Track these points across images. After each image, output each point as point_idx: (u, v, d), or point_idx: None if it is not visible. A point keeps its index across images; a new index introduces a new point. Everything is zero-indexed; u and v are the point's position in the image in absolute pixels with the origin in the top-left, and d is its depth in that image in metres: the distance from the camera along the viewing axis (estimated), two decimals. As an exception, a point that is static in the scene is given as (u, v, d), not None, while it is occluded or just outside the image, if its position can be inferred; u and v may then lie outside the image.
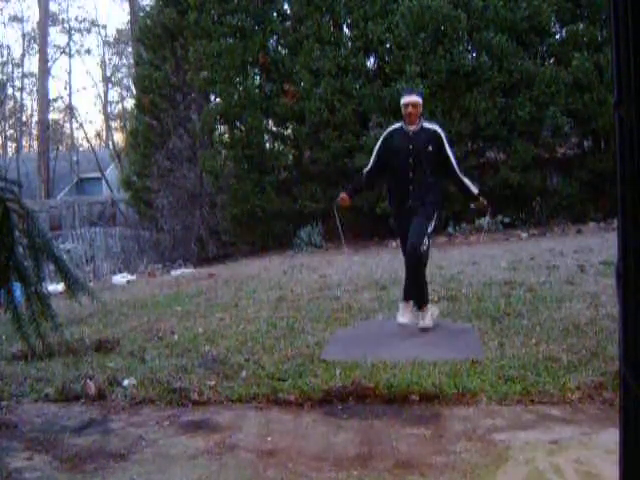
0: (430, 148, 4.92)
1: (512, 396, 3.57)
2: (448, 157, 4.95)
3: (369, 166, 5.18)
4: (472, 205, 5.15)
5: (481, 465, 2.86)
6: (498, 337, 4.64)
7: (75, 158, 29.76)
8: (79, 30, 34.60)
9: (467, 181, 5.04)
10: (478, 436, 3.16)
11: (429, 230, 5.00)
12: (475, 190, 5.05)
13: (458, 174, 5.01)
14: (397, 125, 5.13)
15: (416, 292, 5.10)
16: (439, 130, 5.01)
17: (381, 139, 5.14)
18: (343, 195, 5.19)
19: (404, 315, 5.12)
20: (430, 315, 5.11)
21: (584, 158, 13.48)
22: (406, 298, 5.17)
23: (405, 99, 5.04)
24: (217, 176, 13.95)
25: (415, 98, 5.03)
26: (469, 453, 2.98)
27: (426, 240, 4.96)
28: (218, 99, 14.40)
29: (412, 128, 4.98)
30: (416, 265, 4.97)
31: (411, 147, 4.94)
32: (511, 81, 12.63)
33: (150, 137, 15.13)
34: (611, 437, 2.73)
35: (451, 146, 5.06)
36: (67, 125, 37.80)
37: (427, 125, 5.06)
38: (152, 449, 3.25)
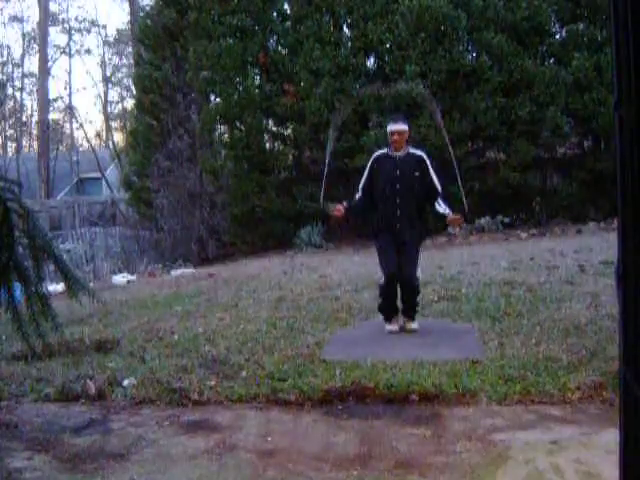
0: (417, 173, 5.00)
1: (512, 396, 3.57)
2: (432, 181, 5.01)
3: (359, 193, 5.16)
4: (449, 228, 5.15)
5: (481, 465, 2.86)
6: (498, 337, 4.64)
7: (75, 158, 29.74)
8: (79, 30, 34.62)
9: (443, 207, 5.03)
10: (478, 436, 3.16)
11: (419, 258, 5.14)
12: (445, 211, 5.03)
13: (438, 199, 5.03)
14: (383, 151, 5.20)
15: (409, 309, 5.13)
16: (424, 156, 5.10)
17: (369, 165, 5.17)
18: (339, 207, 5.13)
19: (393, 323, 5.14)
20: (416, 322, 5.16)
21: (584, 158, 13.48)
22: (388, 318, 5.16)
23: (391, 127, 5.11)
24: (217, 176, 13.95)
25: (401, 127, 5.08)
26: (469, 453, 2.98)
27: (419, 271, 5.11)
28: (218, 99, 14.40)
29: (398, 154, 5.05)
30: (412, 292, 5.06)
31: (398, 172, 5.01)
32: (511, 81, 12.63)
33: (150, 137, 15.12)
34: (611, 437, 2.73)
35: (437, 173, 5.07)
36: (67, 125, 37.82)
37: (413, 151, 5.13)
38: (152, 449, 3.25)
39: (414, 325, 5.11)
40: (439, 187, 5.04)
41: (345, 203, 5.18)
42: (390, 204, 5.01)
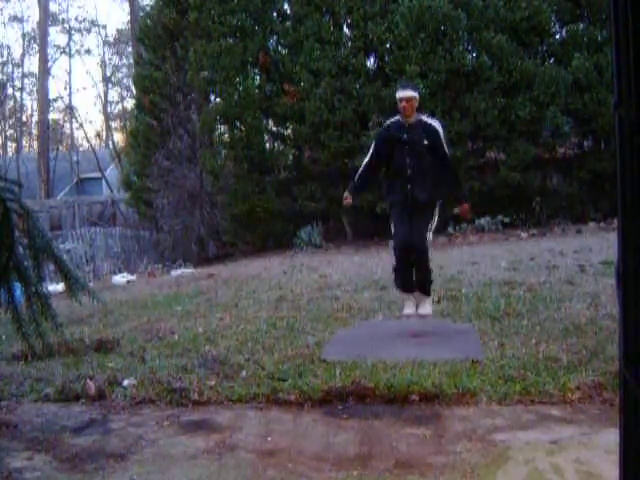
0: (425, 141, 4.94)
1: (512, 396, 3.57)
2: (445, 153, 4.98)
3: (368, 157, 5.15)
4: (456, 210, 5.14)
5: (481, 465, 2.86)
6: (498, 337, 4.64)
7: (75, 158, 29.77)
8: (79, 30, 34.64)
9: (461, 191, 5.09)
10: (478, 436, 3.15)
11: (431, 226, 5.07)
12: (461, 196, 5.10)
13: (452, 170, 5.07)
14: (395, 118, 5.16)
15: (421, 280, 5.09)
16: (437, 126, 5.04)
17: (381, 130, 5.16)
18: (346, 195, 5.13)
19: (409, 306, 5.08)
20: (430, 303, 5.11)
21: (584, 158, 13.49)
22: (406, 290, 5.11)
23: (399, 94, 5.07)
24: (217, 176, 13.95)
25: (409, 93, 5.04)
26: (469, 453, 2.98)
27: (429, 235, 5.06)
28: (218, 99, 14.40)
29: (409, 120, 5.01)
30: (421, 256, 5.01)
31: (405, 136, 4.96)
32: (511, 81, 12.63)
33: (150, 137, 15.12)
34: (611, 437, 2.73)
35: (448, 145, 5.08)
36: (67, 125, 37.85)
37: (426, 119, 5.09)
38: (152, 449, 3.25)
39: (426, 309, 5.04)
40: (449, 157, 5.02)
41: (347, 192, 5.14)
42: (400, 168, 4.97)
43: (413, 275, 5.09)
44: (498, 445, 3.05)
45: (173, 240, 14.70)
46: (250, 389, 3.89)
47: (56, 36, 36.03)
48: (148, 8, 19.27)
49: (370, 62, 13.91)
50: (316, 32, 13.18)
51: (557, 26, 13.57)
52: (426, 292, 5.12)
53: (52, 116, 33.65)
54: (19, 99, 35.41)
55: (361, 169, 5.20)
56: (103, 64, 36.06)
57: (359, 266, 9.03)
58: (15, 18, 35.13)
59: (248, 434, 3.37)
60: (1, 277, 2.90)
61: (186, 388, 3.94)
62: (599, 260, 7.48)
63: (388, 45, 13.11)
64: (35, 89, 32.92)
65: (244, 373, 4.21)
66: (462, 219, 11.78)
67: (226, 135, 14.87)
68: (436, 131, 4.99)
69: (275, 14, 14.11)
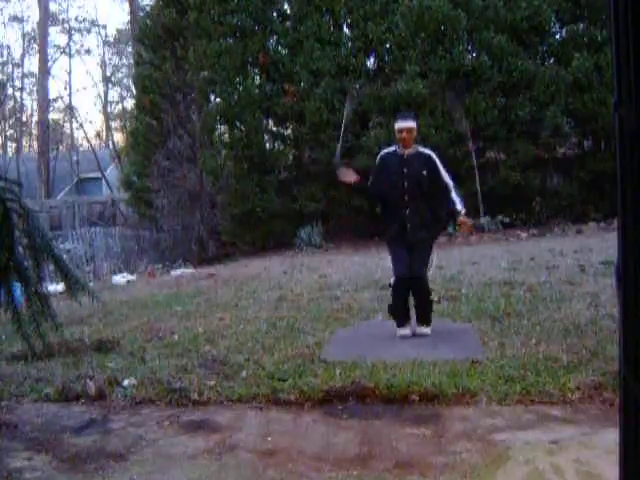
0: (424, 172, 4.91)
1: (512, 396, 3.57)
2: (442, 179, 4.93)
3: (369, 189, 5.12)
4: (457, 227, 5.10)
5: (481, 465, 2.85)
6: (498, 337, 4.64)
7: (75, 158, 29.74)
8: (79, 30, 34.64)
9: (457, 199, 4.99)
10: (478, 436, 3.15)
11: (431, 258, 5.06)
12: (460, 207, 4.98)
13: (451, 194, 4.97)
14: (391, 148, 5.11)
15: (422, 314, 5.04)
16: (432, 154, 5.01)
17: (377, 161, 5.09)
18: (356, 176, 5.01)
19: (405, 329, 5.02)
20: (429, 328, 5.07)
21: (584, 158, 13.50)
22: (401, 323, 5.03)
23: (399, 124, 5.02)
24: (217, 176, 13.96)
25: (410, 124, 5.00)
26: (469, 453, 2.98)
27: (431, 265, 5.06)
28: (218, 99, 14.41)
29: (406, 152, 4.97)
30: (422, 291, 4.98)
31: (405, 170, 4.92)
32: (511, 81, 12.64)
33: (150, 137, 15.12)
34: (611, 437, 2.72)
35: (447, 169, 5.01)
36: (67, 125, 37.84)
37: (421, 150, 5.05)
38: (152, 449, 3.25)
39: (425, 329, 5.01)
40: (450, 182, 4.96)
41: (361, 179, 5.05)
42: (399, 203, 4.93)
43: (409, 305, 5.05)
44: (498, 445, 3.04)
45: (173, 240, 14.71)
46: (250, 389, 3.89)
47: (56, 36, 36.10)
48: (148, 8, 19.27)
49: (370, 62, 13.92)
50: (316, 32, 13.19)
51: (557, 26, 13.59)
52: (427, 322, 5.05)
53: (52, 116, 33.70)
54: (19, 99, 35.44)
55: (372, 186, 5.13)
56: (103, 64, 36.11)
57: (359, 266, 9.03)
58: (15, 18, 35.13)
59: (248, 434, 3.37)
60: (1, 277, 2.90)
61: (186, 388, 3.94)
62: (599, 260, 7.48)
63: (388, 45, 13.13)
64: (35, 89, 32.92)
65: (244, 373, 4.21)
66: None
67: (226, 135, 14.88)
68: (434, 161, 4.96)
69: (275, 14, 14.12)
